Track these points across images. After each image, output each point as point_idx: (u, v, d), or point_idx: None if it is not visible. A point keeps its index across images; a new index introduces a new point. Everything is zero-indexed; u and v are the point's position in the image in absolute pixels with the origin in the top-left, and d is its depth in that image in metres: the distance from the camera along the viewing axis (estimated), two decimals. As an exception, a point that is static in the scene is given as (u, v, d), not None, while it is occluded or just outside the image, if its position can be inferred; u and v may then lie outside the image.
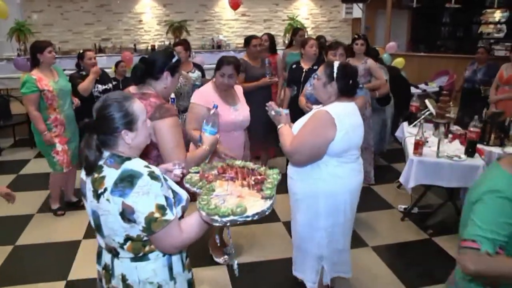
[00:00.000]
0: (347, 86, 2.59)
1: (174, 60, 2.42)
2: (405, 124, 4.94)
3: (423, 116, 4.40)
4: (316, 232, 2.75)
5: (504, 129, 4.21)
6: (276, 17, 11.50)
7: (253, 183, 1.82)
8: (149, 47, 10.33)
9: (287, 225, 3.94)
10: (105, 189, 1.62)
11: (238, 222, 1.59)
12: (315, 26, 11.80)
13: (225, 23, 11.15)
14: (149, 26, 10.67)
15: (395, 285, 3.43)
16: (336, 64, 2.61)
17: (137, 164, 1.66)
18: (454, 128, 4.56)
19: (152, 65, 2.39)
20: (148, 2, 10.52)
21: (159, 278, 1.78)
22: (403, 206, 4.66)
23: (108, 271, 1.80)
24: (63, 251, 3.90)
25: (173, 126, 2.27)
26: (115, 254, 1.76)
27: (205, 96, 3.15)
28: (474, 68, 6.41)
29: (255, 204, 1.65)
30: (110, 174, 1.64)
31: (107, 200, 1.62)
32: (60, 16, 10.04)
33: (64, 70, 4.70)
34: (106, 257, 1.82)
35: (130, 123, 1.71)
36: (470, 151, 3.96)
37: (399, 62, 7.24)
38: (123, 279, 1.76)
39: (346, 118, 2.54)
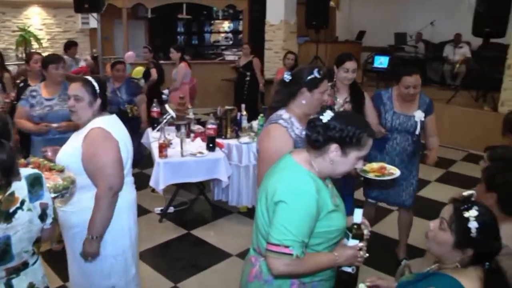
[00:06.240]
0: (107, 98, 2.51)
1: None
2: (149, 130, 5.09)
3: (165, 121, 4.60)
4: (105, 262, 2.44)
5: (237, 122, 4.76)
6: (5, 27, 10.22)
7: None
8: None
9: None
10: (23, 201, 1.63)
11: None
12: (51, 37, 10.94)
13: None
14: None
15: (163, 284, 3.53)
16: (94, 80, 2.43)
17: (26, 169, 1.74)
18: (196, 127, 4.93)
19: None
20: None
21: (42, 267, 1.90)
22: (159, 208, 4.78)
23: None
24: None
25: None
26: (21, 269, 1.73)
27: None
28: (112, 87, 5.11)
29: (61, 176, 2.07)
30: (18, 187, 1.63)
31: (29, 210, 1.64)
32: None
33: None
34: None
35: None
36: (211, 146, 4.37)
37: (139, 70, 7.44)
38: (30, 286, 1.77)
39: (117, 129, 2.44)
